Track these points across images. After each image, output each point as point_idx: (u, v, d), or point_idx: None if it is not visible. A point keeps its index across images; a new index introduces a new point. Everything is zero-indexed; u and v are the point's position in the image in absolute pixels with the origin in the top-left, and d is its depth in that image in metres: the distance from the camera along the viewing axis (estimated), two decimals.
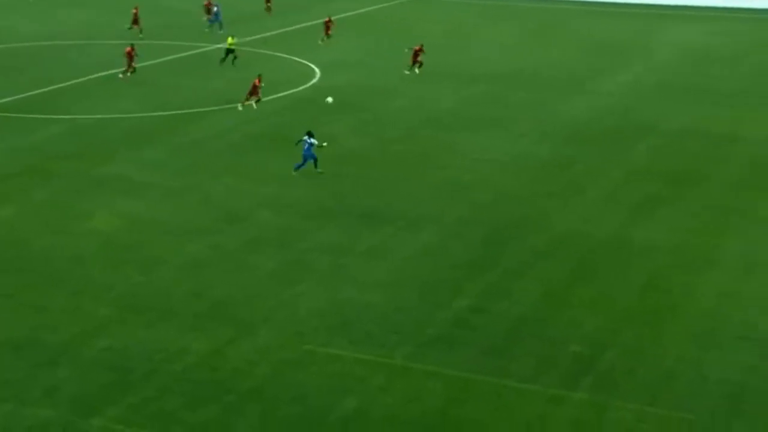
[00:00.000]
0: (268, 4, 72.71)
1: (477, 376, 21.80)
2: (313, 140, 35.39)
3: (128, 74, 50.43)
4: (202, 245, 29.31)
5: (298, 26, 68.03)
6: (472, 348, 23.12)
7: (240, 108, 44.24)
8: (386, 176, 35.73)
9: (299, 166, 35.55)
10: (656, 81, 51.07)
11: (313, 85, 50.44)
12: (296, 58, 56.38)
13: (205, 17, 66.83)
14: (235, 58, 53.67)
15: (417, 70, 51.61)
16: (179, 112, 45.08)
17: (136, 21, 62.19)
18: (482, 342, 23.43)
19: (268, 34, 64.45)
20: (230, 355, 22.76)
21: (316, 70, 53.83)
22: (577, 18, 71.58)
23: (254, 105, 44.74)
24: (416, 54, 51.63)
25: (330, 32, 61.61)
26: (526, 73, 52.85)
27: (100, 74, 51.85)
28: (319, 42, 60.49)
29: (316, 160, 35.43)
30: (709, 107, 45.30)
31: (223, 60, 53.83)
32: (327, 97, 41.45)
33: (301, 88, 49.89)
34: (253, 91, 44.87)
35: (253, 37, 62.53)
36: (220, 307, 25.20)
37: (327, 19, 62.29)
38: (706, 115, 43.79)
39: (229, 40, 54.32)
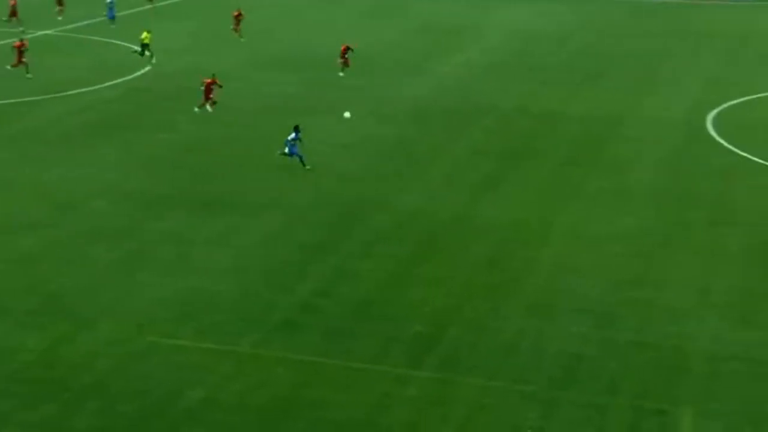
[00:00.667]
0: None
1: (323, 360, 21.87)
2: (292, 135, 33.98)
3: (20, 68, 47.03)
4: (35, 238, 28.20)
5: (132, 11, 66.14)
6: (318, 331, 23.17)
7: (197, 110, 41.01)
8: (227, 162, 35.30)
9: (295, 157, 34.11)
10: (489, 62, 52.32)
11: (148, 71, 49.23)
12: (129, 45, 54.78)
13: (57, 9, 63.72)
14: (150, 55, 50.06)
15: (341, 73, 48.20)
16: (7, 101, 43.13)
17: (14, 13, 59.92)
18: (328, 325, 23.52)
19: (99, 19, 62.42)
20: (68, 350, 22.02)
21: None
22: (407, 0, 72.24)
23: (209, 108, 41.22)
24: (344, 53, 48.43)
25: (239, 26, 57.16)
26: (363, 55, 53.04)
27: None
28: (241, 39, 56.69)
29: (301, 158, 34.03)
30: (538, 86, 46.75)
31: (141, 55, 50.06)
32: (345, 112, 36.21)
33: (135, 75, 48.59)
34: (207, 93, 41.22)
35: (81, 24, 60.48)
36: (56, 302, 24.32)
37: (236, 12, 57.91)
38: (535, 94, 45.18)
39: (144, 34, 50.46)
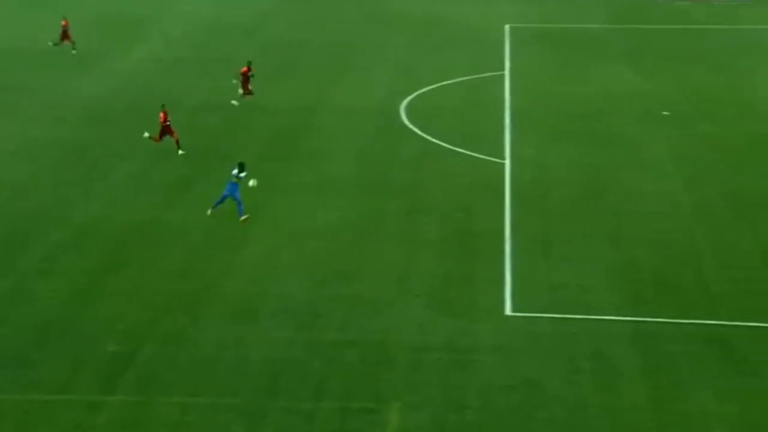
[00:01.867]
0: None
1: None
2: (234, 171, 28.43)
3: None
4: None
5: None
6: None
7: (181, 152, 34.14)
8: None
9: (217, 204, 28.80)
10: (173, 56, 49.95)
11: None
12: None
13: None
14: None
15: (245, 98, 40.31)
16: None
17: None
18: (3, 356, 21.19)
19: None
20: None
21: None
22: None
23: (180, 150, 34.30)
24: (246, 78, 40.43)
25: (70, 39, 48.28)
26: (25, 51, 48.93)
27: None
28: (72, 52, 47.91)
29: (240, 204, 28.33)
30: (227, 80, 45.20)
31: None
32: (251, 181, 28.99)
33: None
34: (166, 130, 34.24)
35: None
36: None
37: (64, 22, 48.82)
38: (223, 88, 43.42)
39: None
